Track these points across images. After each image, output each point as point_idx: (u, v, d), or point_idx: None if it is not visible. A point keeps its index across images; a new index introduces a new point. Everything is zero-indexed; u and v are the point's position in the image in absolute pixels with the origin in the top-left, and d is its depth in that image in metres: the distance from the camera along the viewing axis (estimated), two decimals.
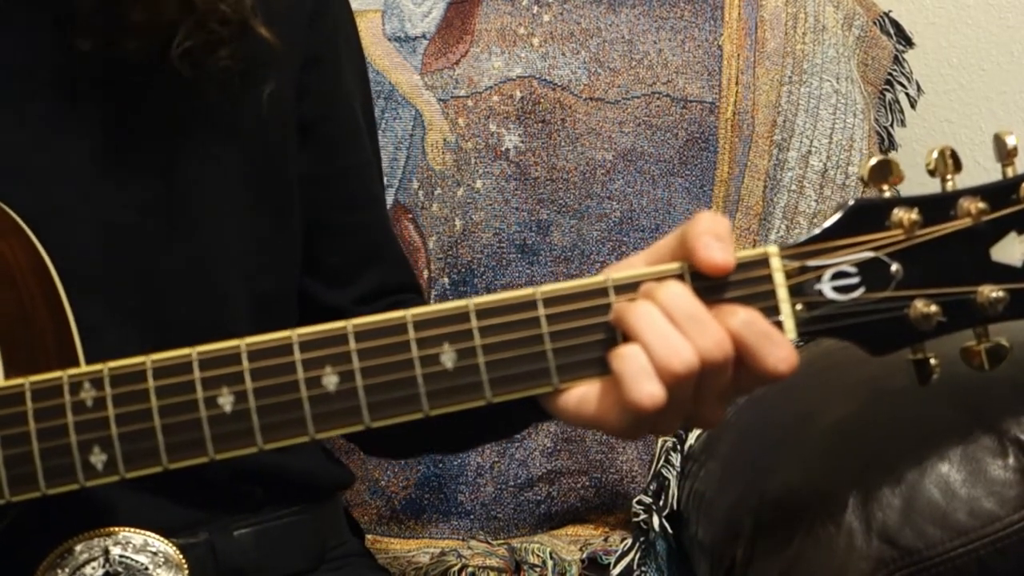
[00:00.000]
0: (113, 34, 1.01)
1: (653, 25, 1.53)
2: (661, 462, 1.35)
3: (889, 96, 1.62)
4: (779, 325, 0.87)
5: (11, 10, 1.02)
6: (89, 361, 0.92)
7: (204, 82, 1.04)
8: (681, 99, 1.51)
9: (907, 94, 1.63)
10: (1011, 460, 0.96)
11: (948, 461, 0.97)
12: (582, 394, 0.89)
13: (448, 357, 0.87)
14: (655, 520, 1.30)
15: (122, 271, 1.02)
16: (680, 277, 0.87)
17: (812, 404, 1.13)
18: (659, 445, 1.36)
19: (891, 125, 1.62)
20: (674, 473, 1.32)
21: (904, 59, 1.63)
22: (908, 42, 1.64)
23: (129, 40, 1.01)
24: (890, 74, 1.62)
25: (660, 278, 0.87)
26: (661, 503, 1.31)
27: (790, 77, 1.53)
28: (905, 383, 1.02)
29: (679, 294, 0.85)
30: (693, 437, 1.32)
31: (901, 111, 1.62)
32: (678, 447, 1.34)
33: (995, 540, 0.95)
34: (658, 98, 1.51)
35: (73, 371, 0.88)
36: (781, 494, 1.04)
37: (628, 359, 0.84)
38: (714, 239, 0.85)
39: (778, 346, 0.85)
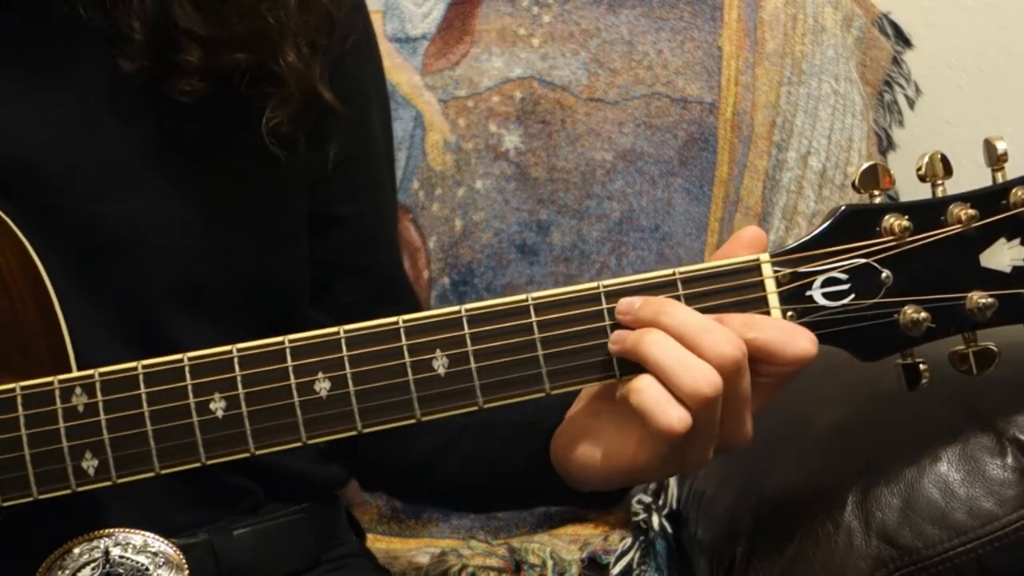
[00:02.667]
0: (163, 71, 1.01)
1: (653, 26, 1.53)
2: None
3: (888, 97, 1.62)
4: None
5: (64, 32, 1.02)
6: (82, 365, 0.92)
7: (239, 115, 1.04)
8: (681, 99, 1.51)
9: (906, 95, 1.63)
10: (1010, 460, 0.96)
11: (947, 461, 0.97)
12: (606, 447, 0.91)
13: (440, 363, 0.88)
14: (655, 519, 1.30)
15: (120, 283, 1.03)
16: (672, 284, 0.88)
17: (811, 404, 1.13)
18: None
19: (890, 126, 1.62)
20: None
21: (903, 60, 1.64)
22: (907, 43, 1.64)
23: (180, 79, 1.01)
24: (889, 75, 1.62)
25: (653, 285, 0.88)
26: (661, 502, 1.32)
27: (789, 78, 1.53)
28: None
29: (684, 312, 0.86)
30: None
31: (900, 112, 1.63)
32: None
33: (994, 539, 0.95)
34: (658, 98, 1.51)
35: (64, 377, 0.89)
36: (780, 494, 1.05)
37: (644, 391, 0.85)
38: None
39: (791, 332, 0.86)
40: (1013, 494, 0.95)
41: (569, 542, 1.40)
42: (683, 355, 0.85)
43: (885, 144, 1.61)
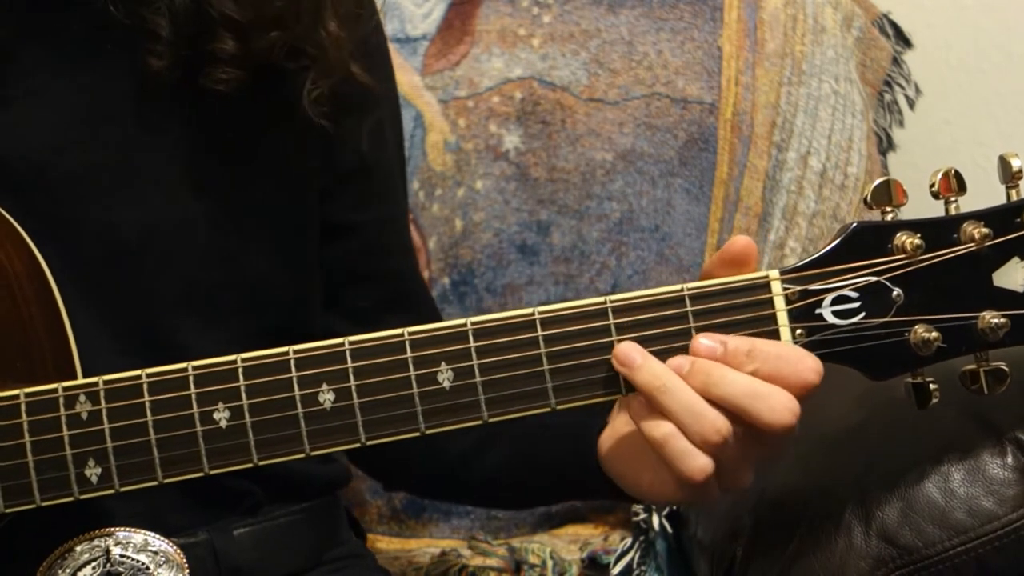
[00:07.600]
0: (197, 63, 1.01)
1: (653, 26, 1.53)
2: None
3: (888, 97, 1.62)
4: None
5: (89, 29, 1.02)
6: (85, 370, 0.92)
7: (263, 116, 1.04)
8: (681, 100, 1.51)
9: (906, 95, 1.63)
10: (1010, 459, 0.96)
11: (947, 460, 0.97)
12: (649, 483, 0.93)
13: (445, 376, 0.87)
14: (655, 519, 1.30)
15: (127, 288, 1.02)
16: (680, 300, 0.87)
17: (811, 404, 1.13)
18: None
19: (890, 126, 1.62)
20: None
21: (903, 60, 1.64)
22: (907, 43, 1.64)
23: (215, 69, 1.00)
24: (889, 75, 1.62)
25: (661, 301, 0.87)
26: None
27: (789, 78, 1.53)
28: None
29: (703, 348, 0.87)
30: None
31: (900, 112, 1.63)
32: None
33: (993, 539, 0.95)
34: (658, 99, 1.51)
35: (68, 384, 0.89)
36: (781, 493, 1.05)
37: (667, 445, 0.86)
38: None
39: (794, 360, 0.86)
40: (1013, 493, 0.95)
41: (569, 542, 1.40)
42: (697, 405, 0.85)
43: (885, 144, 1.61)
